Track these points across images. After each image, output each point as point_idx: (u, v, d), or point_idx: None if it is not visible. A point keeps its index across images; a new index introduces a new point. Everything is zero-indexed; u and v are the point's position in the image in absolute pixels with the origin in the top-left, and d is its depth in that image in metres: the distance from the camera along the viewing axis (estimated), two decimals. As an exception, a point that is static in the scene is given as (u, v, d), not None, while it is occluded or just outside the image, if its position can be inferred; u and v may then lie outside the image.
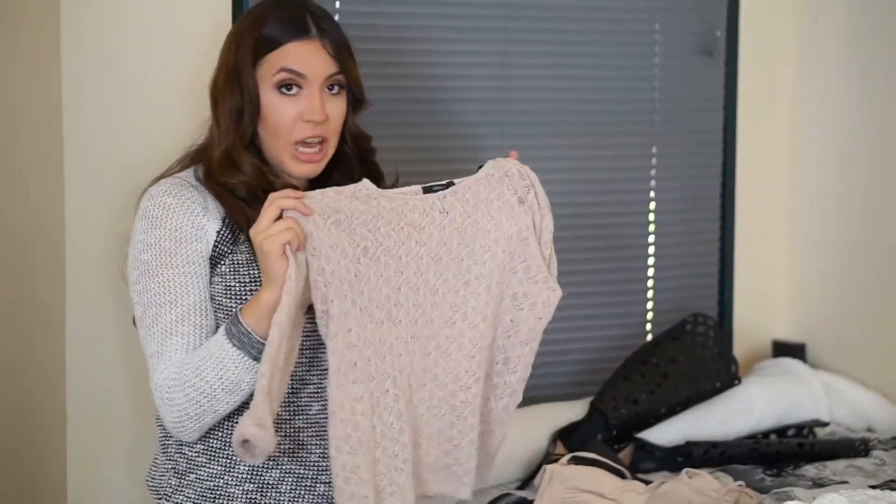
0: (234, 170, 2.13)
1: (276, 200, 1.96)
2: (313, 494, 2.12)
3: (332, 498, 2.09)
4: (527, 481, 3.15)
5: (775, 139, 3.92)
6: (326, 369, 2.02)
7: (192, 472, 2.13)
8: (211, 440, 2.11)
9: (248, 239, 2.07)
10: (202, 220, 2.11)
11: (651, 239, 3.79)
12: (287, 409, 2.10)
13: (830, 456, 3.23)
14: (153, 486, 2.19)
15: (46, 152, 2.89)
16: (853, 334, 3.74)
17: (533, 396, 3.43)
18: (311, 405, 2.11)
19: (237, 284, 2.10)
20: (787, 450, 3.24)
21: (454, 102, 3.41)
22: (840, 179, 3.78)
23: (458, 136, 3.41)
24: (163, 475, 2.17)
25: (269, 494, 2.11)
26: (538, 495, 2.91)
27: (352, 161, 2.26)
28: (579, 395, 3.47)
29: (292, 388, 2.10)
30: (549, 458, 3.16)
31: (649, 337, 3.74)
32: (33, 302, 2.80)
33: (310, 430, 2.12)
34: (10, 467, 2.67)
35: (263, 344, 1.95)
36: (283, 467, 2.11)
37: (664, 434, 3.32)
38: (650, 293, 3.79)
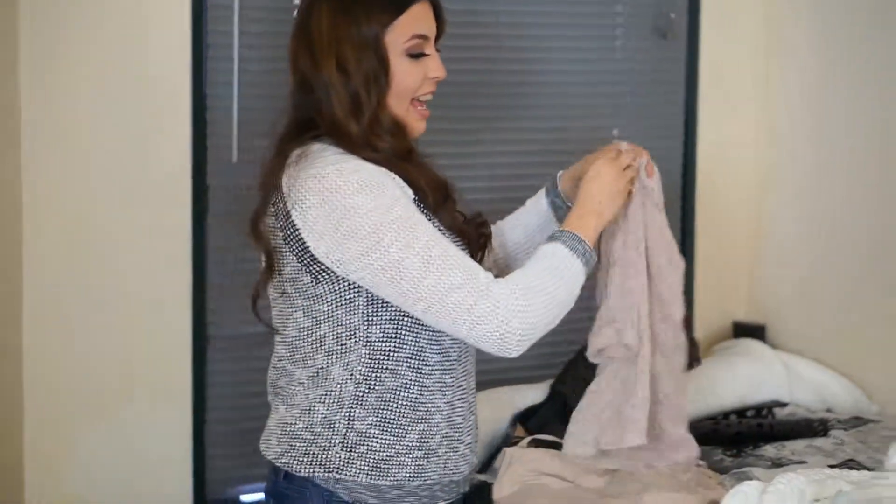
0: (382, 133, 2.13)
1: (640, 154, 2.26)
2: (457, 455, 2.19)
3: (468, 457, 2.21)
4: (486, 464, 3.14)
5: (738, 121, 3.93)
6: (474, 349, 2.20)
7: (363, 444, 2.13)
8: (384, 413, 2.13)
9: (434, 209, 2.13)
10: (401, 181, 2.11)
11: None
12: (449, 373, 2.16)
13: (790, 436, 3.24)
14: (312, 460, 2.15)
15: (3, 148, 2.88)
16: (813, 316, 3.76)
17: (493, 380, 3.43)
18: (461, 366, 2.20)
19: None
20: (747, 430, 3.25)
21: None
22: (804, 163, 3.79)
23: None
24: (327, 450, 2.14)
25: (432, 460, 2.16)
26: (498, 478, 2.91)
27: None
28: (539, 378, 3.46)
29: (448, 352, 2.16)
30: (508, 440, 3.16)
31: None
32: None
33: (459, 391, 2.19)
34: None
35: (594, 258, 2.12)
36: (442, 432, 2.17)
37: (624, 416, 3.31)
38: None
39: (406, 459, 2.15)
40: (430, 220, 2.10)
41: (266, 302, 2.18)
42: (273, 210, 2.10)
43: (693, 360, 3.48)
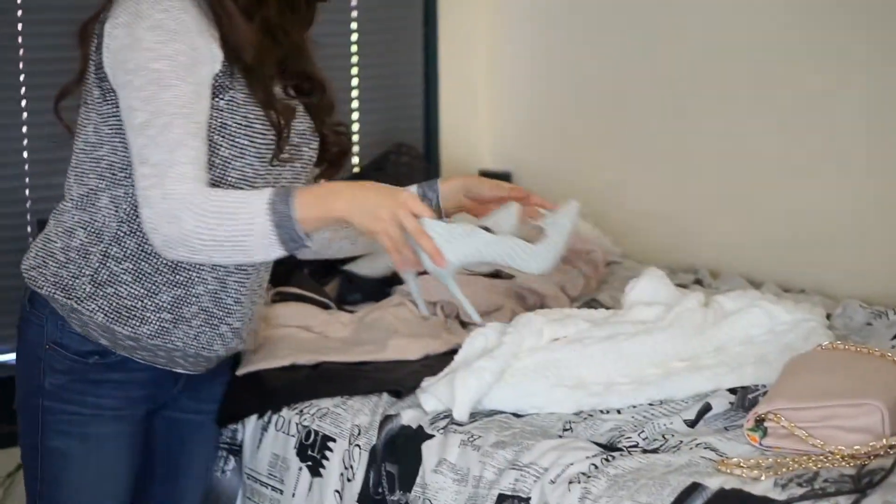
0: None
1: (422, 237, 1.97)
2: (215, 332, 2.17)
3: (228, 339, 2.20)
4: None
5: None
6: None
7: (111, 286, 2.09)
8: (142, 263, 2.09)
9: (240, 74, 2.05)
10: (213, 43, 2.03)
11: (354, 71, 3.73)
12: None
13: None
14: (57, 283, 2.10)
15: None
16: (551, 162, 3.81)
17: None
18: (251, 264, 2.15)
19: (233, 125, 2.06)
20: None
21: None
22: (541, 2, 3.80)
23: None
24: (75, 278, 2.10)
25: (180, 326, 2.13)
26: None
27: None
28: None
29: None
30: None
31: (356, 170, 3.70)
32: None
33: (237, 273, 2.16)
34: None
35: (300, 235, 1.94)
36: (202, 304, 2.14)
37: (370, 266, 3.30)
38: (355, 126, 3.75)
39: (151, 316, 2.12)
40: (225, 91, 2.05)
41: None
42: (101, 17, 2.07)
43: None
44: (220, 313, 2.18)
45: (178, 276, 2.12)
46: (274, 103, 2.10)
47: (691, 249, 3.48)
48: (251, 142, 2.09)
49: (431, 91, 3.87)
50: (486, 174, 3.85)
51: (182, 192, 1.95)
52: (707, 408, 2.26)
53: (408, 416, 2.42)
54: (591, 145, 3.69)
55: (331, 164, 2.28)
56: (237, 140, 2.08)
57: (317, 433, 2.53)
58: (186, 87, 2.00)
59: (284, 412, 2.60)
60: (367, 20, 3.72)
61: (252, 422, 2.63)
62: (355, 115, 3.74)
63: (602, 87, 3.65)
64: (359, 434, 2.46)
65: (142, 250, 2.11)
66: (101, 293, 2.11)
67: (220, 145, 2.07)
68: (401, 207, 1.97)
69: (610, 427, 2.24)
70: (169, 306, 2.13)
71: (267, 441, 2.60)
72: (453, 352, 2.56)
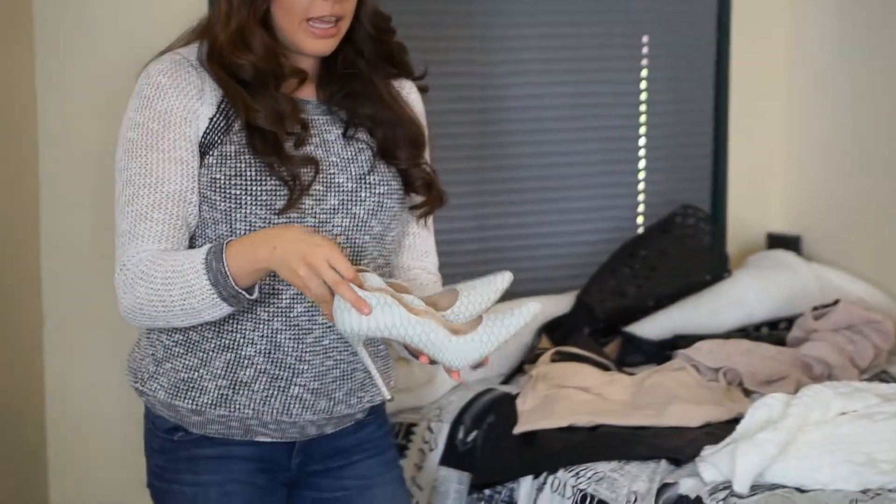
0: (244, 48, 2.02)
1: (341, 286, 1.82)
2: (287, 395, 2.07)
3: (306, 401, 2.07)
4: (511, 376, 3.09)
5: (772, 22, 3.81)
6: None
7: (169, 362, 2.08)
8: (190, 332, 2.07)
9: (242, 129, 2.01)
10: (195, 103, 2.03)
11: (642, 130, 3.70)
12: (266, 308, 2.05)
13: (822, 349, 3.17)
14: (131, 369, 2.15)
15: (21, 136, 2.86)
16: (849, 227, 3.67)
17: (519, 290, 3.37)
18: (292, 307, 2.06)
19: (222, 177, 2.02)
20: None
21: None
22: (841, 65, 3.68)
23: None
24: (142, 360, 2.12)
25: (241, 392, 2.06)
26: (522, 393, 2.87)
27: (365, 40, 2.15)
28: (566, 288, 3.41)
29: (273, 287, 2.04)
30: (532, 351, 3.11)
31: (640, 231, 3.67)
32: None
33: (288, 331, 2.06)
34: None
35: (237, 290, 1.91)
36: (258, 367, 2.06)
37: (652, 327, 3.27)
38: (641, 185, 3.71)
39: (209, 385, 2.06)
40: (214, 147, 2.02)
41: None
42: None
43: (723, 271, 3.41)
44: (286, 374, 2.07)
45: (224, 340, 2.06)
46: (279, 154, 2.02)
47: None
48: (246, 191, 2.01)
49: (721, 150, 3.79)
50: (774, 237, 3.78)
51: (136, 261, 1.97)
52: None
53: (686, 486, 2.36)
54: (891, 215, 3.52)
55: (425, 200, 2.19)
56: (230, 192, 2.01)
57: (593, 497, 2.50)
58: (156, 155, 1.99)
59: (560, 474, 2.58)
60: (657, 78, 3.68)
61: (527, 482, 2.62)
62: (641, 175, 3.70)
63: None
64: (635, 501, 2.41)
65: None
66: (161, 370, 2.09)
67: (216, 200, 2.02)
68: (321, 259, 1.84)
69: (900, 508, 2.14)
70: (223, 372, 2.06)
71: (542, 502, 2.59)
72: (735, 420, 2.49)
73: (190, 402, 2.06)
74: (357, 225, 2.08)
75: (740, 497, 2.26)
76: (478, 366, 1.93)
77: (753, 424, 2.36)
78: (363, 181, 2.09)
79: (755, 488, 2.28)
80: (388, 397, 2.00)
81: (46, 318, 2.95)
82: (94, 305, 2.94)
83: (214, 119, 2.03)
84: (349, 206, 2.08)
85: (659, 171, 3.73)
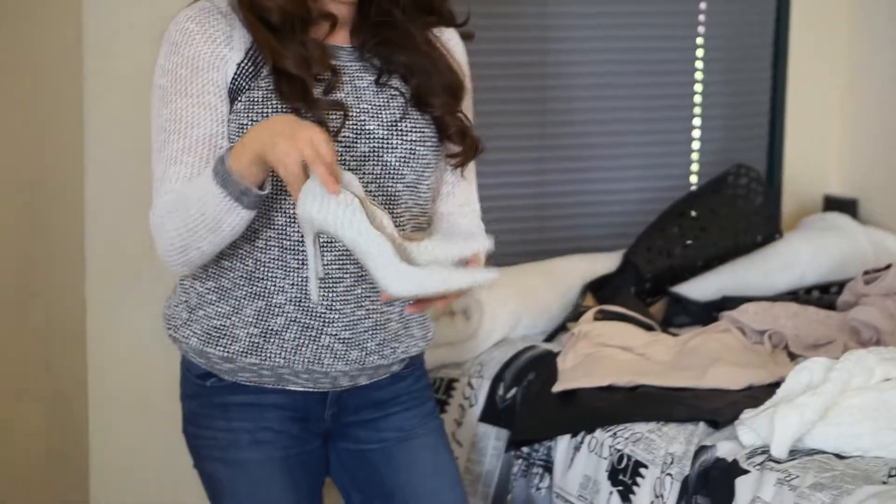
0: None
1: (316, 162, 1.78)
2: (318, 345, 2.06)
3: (338, 350, 2.06)
4: (553, 334, 3.07)
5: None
6: None
7: (202, 309, 2.09)
8: (222, 280, 2.07)
9: (270, 73, 2.00)
10: (223, 49, 2.01)
11: (698, 88, 3.64)
12: (295, 256, 2.04)
13: (873, 313, 3.11)
14: (166, 316, 2.17)
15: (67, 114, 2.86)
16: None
17: (565, 248, 3.35)
18: (322, 255, 2.04)
19: (250, 123, 2.00)
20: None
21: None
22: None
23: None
24: (176, 307, 2.13)
25: (272, 340, 2.05)
26: (563, 351, 2.84)
27: None
28: (613, 247, 3.36)
29: (301, 237, 2.03)
30: (577, 310, 3.08)
31: (693, 188, 3.62)
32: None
33: (321, 280, 2.02)
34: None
35: (245, 186, 1.88)
36: (289, 315, 2.05)
37: (700, 288, 3.22)
38: (696, 144, 3.66)
39: (241, 333, 2.06)
40: (242, 93, 2.00)
41: None
42: None
43: (775, 232, 3.35)
44: (316, 323, 2.05)
45: (255, 288, 2.04)
46: (306, 99, 2.00)
47: None
48: None
49: (777, 111, 3.73)
50: (831, 200, 3.71)
51: (164, 201, 1.98)
52: None
53: (724, 449, 2.33)
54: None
55: (462, 150, 2.14)
56: None
57: (629, 458, 2.47)
58: (185, 100, 1.99)
59: (598, 433, 2.55)
60: (715, 35, 3.62)
61: (565, 441, 2.60)
62: (696, 133, 3.65)
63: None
64: (672, 462, 2.39)
65: (220, 266, 2.07)
66: (194, 318, 2.09)
67: None
68: (305, 138, 1.80)
69: (941, 477, 2.09)
70: (255, 320, 2.05)
71: (579, 462, 2.57)
72: (778, 384, 2.45)
73: (222, 349, 2.06)
74: (389, 173, 2.06)
75: (778, 462, 2.23)
76: (418, 304, 1.87)
77: (794, 388, 2.32)
78: (394, 128, 2.06)
79: (793, 453, 2.24)
80: (315, 299, 1.93)
81: (88, 273, 2.96)
82: (134, 261, 2.95)
83: (242, 64, 2.02)
84: (380, 154, 2.05)
85: (715, 130, 3.67)
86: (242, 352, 2.06)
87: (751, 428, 2.31)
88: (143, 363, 2.99)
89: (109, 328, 2.98)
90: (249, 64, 2.02)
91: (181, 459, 2.26)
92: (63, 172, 2.89)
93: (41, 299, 2.84)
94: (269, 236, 2.02)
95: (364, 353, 2.08)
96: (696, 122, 3.65)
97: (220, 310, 2.07)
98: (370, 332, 2.08)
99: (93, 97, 2.90)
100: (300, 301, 2.05)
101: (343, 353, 2.07)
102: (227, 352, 2.06)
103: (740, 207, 3.32)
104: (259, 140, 1.85)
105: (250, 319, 2.06)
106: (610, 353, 2.77)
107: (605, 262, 3.25)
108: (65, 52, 2.86)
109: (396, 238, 1.86)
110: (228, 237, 1.95)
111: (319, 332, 2.06)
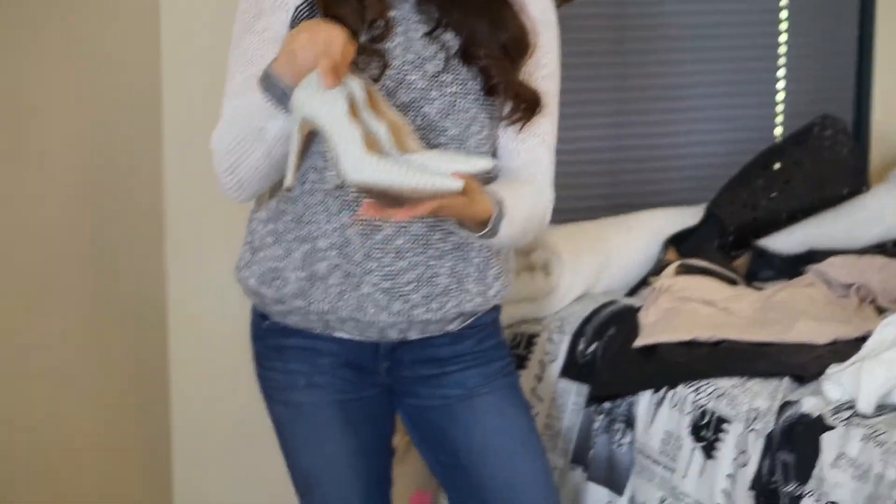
0: None
1: (324, 57, 1.83)
2: (359, 293, 2.07)
3: (379, 300, 2.06)
4: (635, 289, 3.03)
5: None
6: None
7: (262, 251, 2.13)
8: (278, 223, 2.10)
9: (323, 17, 2.01)
10: None
11: (783, 37, 3.57)
12: (335, 200, 2.05)
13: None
14: (238, 258, 2.21)
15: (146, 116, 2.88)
16: None
17: (646, 202, 3.31)
18: (360, 200, 2.04)
19: None
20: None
21: None
22: None
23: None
24: (244, 249, 2.19)
25: (317, 285, 2.08)
26: (644, 306, 2.81)
27: None
28: (695, 200, 3.32)
29: (342, 182, 2.02)
30: (658, 264, 3.04)
31: (777, 141, 3.56)
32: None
33: (356, 225, 2.05)
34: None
35: (285, 85, 1.89)
36: (332, 260, 2.07)
37: (785, 242, 3.16)
38: (780, 95, 3.59)
39: (291, 276, 2.09)
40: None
41: None
42: None
43: (861, 185, 3.29)
44: (357, 270, 2.05)
45: (303, 231, 2.06)
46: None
47: None
48: None
49: (865, 59, 3.65)
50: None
51: (219, 125, 2.03)
52: None
53: (808, 404, 2.29)
54: None
55: (512, 105, 2.09)
56: None
57: (712, 413, 2.44)
58: (250, 37, 2.05)
59: (680, 389, 2.52)
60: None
61: (646, 396, 2.58)
62: (781, 84, 3.58)
63: None
64: (755, 418, 2.35)
65: (278, 209, 2.10)
66: (255, 259, 2.13)
67: None
68: (323, 34, 1.85)
69: None
70: (302, 264, 2.08)
71: (661, 418, 2.54)
72: (865, 339, 2.40)
73: (274, 290, 2.10)
74: (429, 125, 2.04)
75: (864, 417, 2.19)
76: (378, 208, 1.83)
77: (881, 343, 2.28)
78: (435, 80, 2.05)
79: (880, 409, 2.20)
80: (289, 183, 1.95)
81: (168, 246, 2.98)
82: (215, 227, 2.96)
83: (300, 8, 2.05)
84: (420, 105, 2.04)
85: (800, 80, 3.60)
86: (292, 294, 2.09)
87: (837, 383, 2.27)
88: (223, 327, 3.02)
89: (191, 303, 3.01)
90: (306, 8, 2.06)
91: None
92: (141, 145, 2.91)
93: (123, 276, 2.86)
94: (314, 179, 2.04)
95: (409, 305, 2.08)
96: (781, 72, 3.58)
97: (275, 252, 2.11)
98: (413, 285, 2.07)
99: (170, 70, 2.90)
100: (341, 247, 2.06)
101: (385, 303, 2.07)
102: (279, 293, 2.10)
103: (826, 159, 3.26)
104: (290, 36, 1.90)
105: (298, 263, 2.09)
106: (692, 308, 2.74)
107: (688, 216, 3.20)
108: (143, 25, 2.87)
109: (409, 146, 1.86)
110: (274, 146, 1.97)
111: (360, 280, 2.07)
